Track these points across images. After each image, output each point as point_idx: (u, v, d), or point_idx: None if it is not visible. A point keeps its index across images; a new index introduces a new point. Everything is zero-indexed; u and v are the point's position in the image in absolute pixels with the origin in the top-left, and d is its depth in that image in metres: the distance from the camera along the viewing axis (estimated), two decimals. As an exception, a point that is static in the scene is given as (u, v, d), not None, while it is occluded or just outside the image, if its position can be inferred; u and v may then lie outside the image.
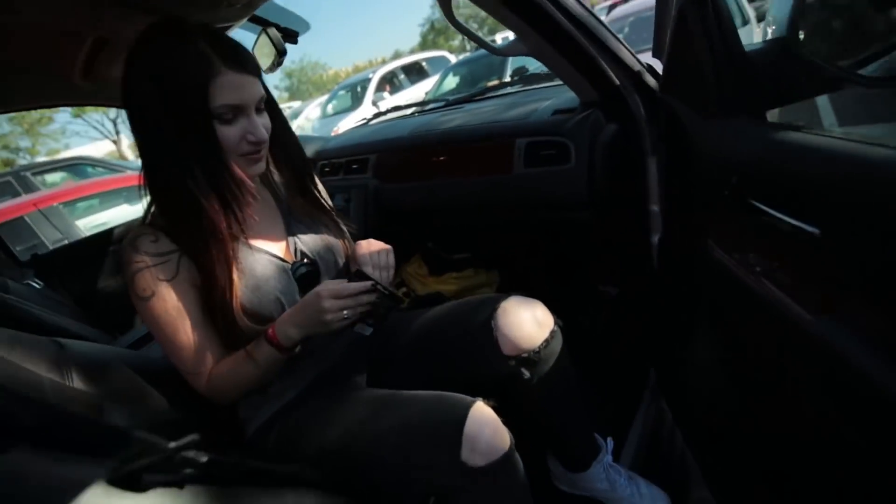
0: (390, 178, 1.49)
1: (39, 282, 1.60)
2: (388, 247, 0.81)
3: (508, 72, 5.80)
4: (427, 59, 8.50)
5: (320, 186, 0.91)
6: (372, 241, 0.81)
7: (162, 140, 0.67)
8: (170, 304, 0.71)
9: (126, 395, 0.80)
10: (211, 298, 0.72)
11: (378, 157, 1.54)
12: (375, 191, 1.51)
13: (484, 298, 0.90)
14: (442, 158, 1.33)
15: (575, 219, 1.11)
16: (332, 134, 2.28)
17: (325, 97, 9.21)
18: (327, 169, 1.74)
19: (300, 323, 0.70)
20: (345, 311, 0.68)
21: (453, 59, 8.44)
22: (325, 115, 8.12)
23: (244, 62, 0.69)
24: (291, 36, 1.23)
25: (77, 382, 0.74)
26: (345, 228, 0.89)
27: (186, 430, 0.43)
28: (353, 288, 0.69)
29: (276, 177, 0.86)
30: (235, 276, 0.72)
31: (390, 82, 7.81)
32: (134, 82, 0.67)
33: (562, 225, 1.21)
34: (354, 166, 1.61)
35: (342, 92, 8.28)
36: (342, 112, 7.62)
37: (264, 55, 1.32)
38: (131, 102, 0.69)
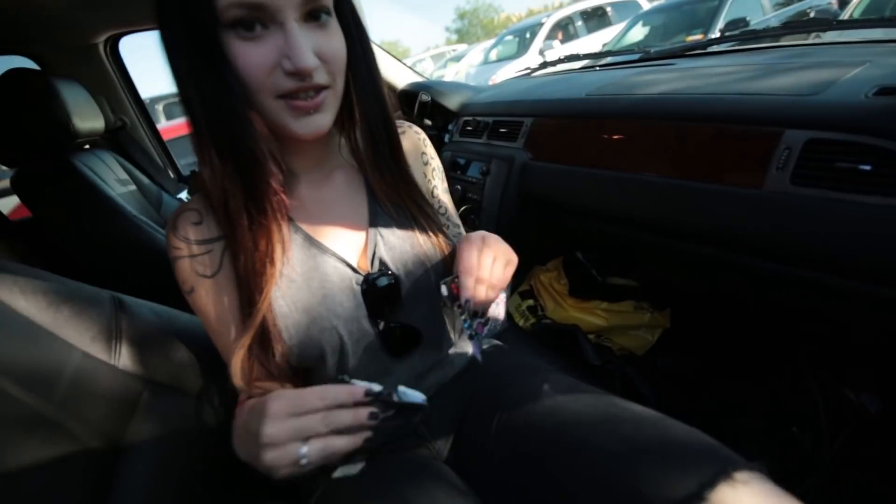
0: (545, 154, 1.10)
1: (189, 198, 1.68)
2: (507, 253, 0.55)
3: (719, 24, 4.58)
4: (614, 3, 7.26)
5: (426, 159, 0.66)
6: (487, 236, 0.54)
7: (173, 68, 0.45)
8: (210, 305, 0.54)
9: (164, 391, 0.67)
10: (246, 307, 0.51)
11: (535, 123, 1.15)
12: (522, 167, 1.15)
13: (667, 444, 0.48)
14: (624, 138, 0.89)
15: (870, 295, 0.60)
16: (489, 83, 1.91)
17: (491, 42, 8.70)
18: (469, 128, 1.42)
19: (239, 441, 0.46)
20: (302, 447, 0.37)
21: (647, 4, 7.05)
22: (485, 62, 7.71)
23: None
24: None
25: (123, 359, 0.62)
26: (442, 224, 0.64)
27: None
28: (322, 400, 0.38)
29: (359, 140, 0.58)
30: (275, 286, 0.51)
31: (564, 29, 6.96)
32: None
33: (834, 296, 0.68)
34: (503, 130, 1.25)
35: (509, 37, 7.70)
36: (504, 59, 7.11)
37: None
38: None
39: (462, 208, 1.30)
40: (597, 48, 5.47)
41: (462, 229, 0.72)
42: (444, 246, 0.60)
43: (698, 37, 4.46)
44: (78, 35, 1.38)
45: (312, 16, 0.45)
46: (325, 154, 0.59)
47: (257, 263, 0.49)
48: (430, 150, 0.67)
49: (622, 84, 1.01)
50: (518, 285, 1.29)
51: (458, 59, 10.30)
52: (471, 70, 7.88)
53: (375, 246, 0.57)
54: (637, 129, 0.87)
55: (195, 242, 0.52)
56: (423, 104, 1.52)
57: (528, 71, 1.71)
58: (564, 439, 0.52)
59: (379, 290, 0.55)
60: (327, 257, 0.55)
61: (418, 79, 1.81)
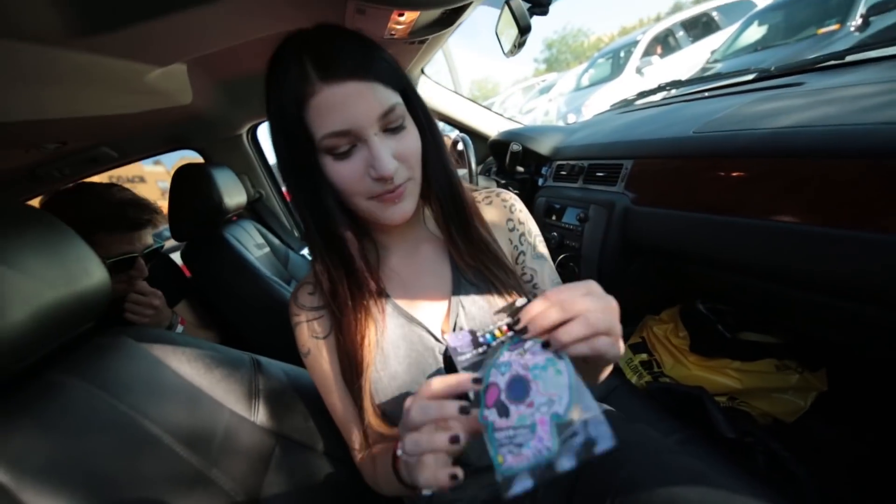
0: (650, 198, 1.03)
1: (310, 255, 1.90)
2: (580, 303, 0.41)
3: (860, 9, 3.86)
4: (721, 7, 6.62)
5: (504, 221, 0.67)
6: (565, 290, 0.43)
7: (285, 177, 0.56)
8: (324, 364, 0.62)
9: (295, 448, 0.74)
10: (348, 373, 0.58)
11: (636, 166, 1.08)
12: (624, 213, 1.08)
13: None
14: (746, 179, 0.79)
15: None
16: (583, 109, 1.87)
17: (582, 66, 8.53)
18: (563, 172, 1.39)
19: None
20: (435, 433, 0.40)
21: (761, 2, 6.30)
22: (578, 87, 7.55)
23: (342, 64, 0.48)
24: (540, 5, 0.92)
25: (261, 416, 0.71)
26: (528, 290, 0.65)
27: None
28: (443, 385, 0.41)
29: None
30: (370, 353, 0.56)
31: (663, 43, 6.52)
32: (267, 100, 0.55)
33: None
34: (600, 174, 1.20)
35: (601, 60, 7.46)
36: (598, 83, 6.89)
37: (507, 36, 1.06)
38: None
39: (560, 256, 1.27)
40: (703, 58, 5.00)
41: None
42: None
43: (833, 27, 3.81)
44: (228, 129, 1.70)
45: (389, 126, 0.51)
46: (411, 229, 0.64)
47: (358, 336, 0.56)
48: (520, 216, 0.68)
49: (737, 116, 0.91)
50: (628, 336, 1.19)
51: (547, 89, 10.27)
52: (565, 98, 7.75)
53: (457, 316, 0.59)
54: (762, 169, 0.77)
55: (309, 308, 0.61)
56: (514, 154, 1.54)
57: (626, 103, 1.64)
58: None
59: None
60: (414, 326, 0.59)
61: (509, 126, 1.85)
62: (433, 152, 0.58)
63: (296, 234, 2.03)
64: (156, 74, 1.00)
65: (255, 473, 0.67)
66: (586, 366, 0.54)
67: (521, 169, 1.62)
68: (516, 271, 0.66)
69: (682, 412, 0.91)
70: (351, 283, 0.56)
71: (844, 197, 0.64)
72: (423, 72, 1.86)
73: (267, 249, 1.64)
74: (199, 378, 0.68)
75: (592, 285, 0.43)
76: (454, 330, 0.59)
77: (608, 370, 0.60)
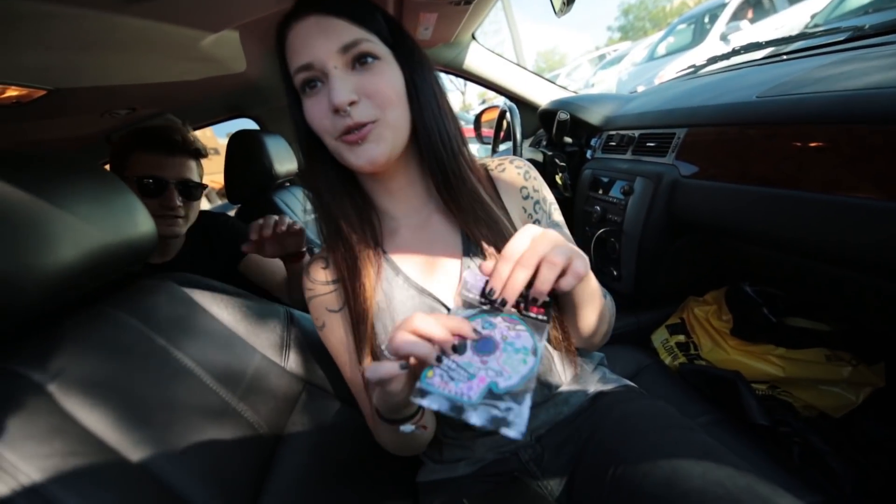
0: (702, 170, 0.94)
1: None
2: (535, 250, 0.42)
3: None
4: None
5: (514, 183, 0.65)
6: (513, 247, 0.43)
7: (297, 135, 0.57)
8: (337, 336, 0.63)
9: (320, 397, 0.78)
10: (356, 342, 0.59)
11: (689, 135, 0.99)
12: (672, 186, 1.00)
13: None
14: (813, 149, 0.69)
15: None
16: (656, 82, 1.69)
17: (659, 34, 7.79)
18: (613, 143, 1.31)
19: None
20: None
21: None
22: (651, 58, 6.93)
23: (309, 1, 0.51)
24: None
25: (290, 363, 0.76)
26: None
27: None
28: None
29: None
30: (381, 326, 0.57)
31: (756, 6, 5.78)
32: None
33: None
34: (650, 144, 1.12)
35: (682, 26, 6.77)
36: (676, 52, 6.29)
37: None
38: None
39: (600, 231, 1.20)
40: (802, 23, 4.39)
41: None
42: None
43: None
44: (281, 98, 1.77)
45: (358, 62, 0.51)
46: (417, 197, 0.63)
47: (360, 296, 0.56)
48: (534, 183, 0.65)
49: (808, 79, 0.79)
50: (667, 317, 1.12)
51: (618, 60, 9.52)
52: (630, 70, 7.17)
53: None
54: (829, 136, 0.67)
55: (322, 283, 0.62)
56: (561, 123, 1.46)
57: (693, 69, 1.49)
58: None
59: None
60: (425, 298, 0.58)
61: (561, 95, 1.76)
62: (424, 103, 0.56)
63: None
64: (209, 41, 1.06)
65: (281, 413, 0.71)
66: (579, 307, 0.54)
67: (569, 140, 1.54)
68: None
69: (713, 396, 0.85)
70: (347, 244, 0.58)
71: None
72: (473, 37, 1.81)
73: (312, 215, 1.71)
74: (235, 323, 0.73)
75: (529, 229, 0.43)
76: None
77: (598, 300, 0.57)
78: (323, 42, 0.49)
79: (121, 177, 0.81)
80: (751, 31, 5.41)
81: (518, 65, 1.91)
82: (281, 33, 0.53)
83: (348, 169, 0.56)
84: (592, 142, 1.46)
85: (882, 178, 0.59)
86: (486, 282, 0.44)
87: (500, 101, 1.83)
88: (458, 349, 0.40)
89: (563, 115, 1.45)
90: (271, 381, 0.72)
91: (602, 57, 12.78)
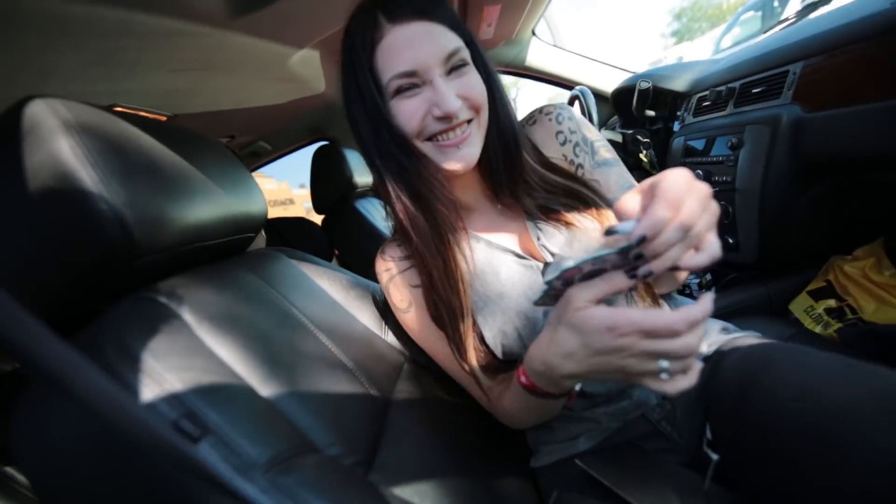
0: (829, 101, 0.81)
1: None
2: (701, 188, 0.34)
3: None
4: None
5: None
6: (680, 173, 0.35)
7: (354, 128, 0.54)
8: (425, 315, 0.61)
9: (418, 370, 0.76)
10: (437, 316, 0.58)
11: (808, 67, 0.87)
12: (794, 126, 0.88)
13: None
14: None
15: None
16: None
17: (721, 28, 7.33)
18: (707, 103, 1.20)
19: (551, 355, 0.41)
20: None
21: None
22: (717, 52, 6.52)
23: (409, 6, 0.49)
24: None
25: (390, 337, 0.75)
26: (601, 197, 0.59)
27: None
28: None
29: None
30: (462, 285, 0.55)
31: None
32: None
33: None
34: (757, 90, 1.00)
35: (748, 14, 6.31)
36: (743, 41, 5.86)
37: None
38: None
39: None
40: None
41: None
42: (606, 216, 0.57)
43: None
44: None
45: (455, 69, 0.51)
46: (480, 184, 0.61)
47: (449, 279, 0.55)
48: (569, 125, 0.62)
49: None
50: (808, 281, 0.96)
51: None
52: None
53: (538, 238, 0.57)
54: None
55: (400, 259, 0.61)
56: (642, 93, 1.38)
57: (790, 21, 1.35)
58: (824, 437, 0.41)
59: (562, 268, 0.53)
60: (500, 253, 0.58)
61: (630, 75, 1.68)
62: (499, 103, 0.56)
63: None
64: (296, 59, 1.16)
65: (388, 378, 0.70)
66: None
67: (651, 113, 1.44)
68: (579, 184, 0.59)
69: (879, 355, 0.69)
70: (429, 219, 0.55)
71: None
72: (533, 33, 1.81)
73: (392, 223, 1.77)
74: (337, 293, 0.75)
75: (684, 174, 0.34)
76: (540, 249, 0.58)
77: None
78: (429, 49, 0.49)
79: None
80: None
81: (581, 55, 1.86)
82: (370, 35, 0.50)
83: (420, 164, 0.54)
84: (678, 112, 1.36)
85: None
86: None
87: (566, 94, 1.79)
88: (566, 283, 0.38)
89: (644, 84, 1.37)
90: (377, 346, 0.72)
91: (657, 62, 12.32)
